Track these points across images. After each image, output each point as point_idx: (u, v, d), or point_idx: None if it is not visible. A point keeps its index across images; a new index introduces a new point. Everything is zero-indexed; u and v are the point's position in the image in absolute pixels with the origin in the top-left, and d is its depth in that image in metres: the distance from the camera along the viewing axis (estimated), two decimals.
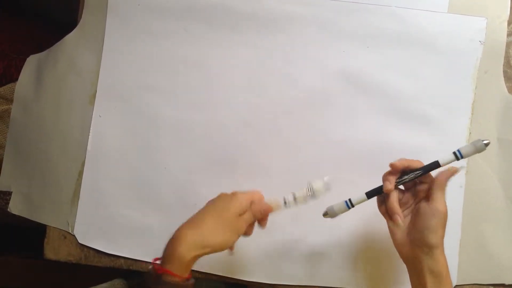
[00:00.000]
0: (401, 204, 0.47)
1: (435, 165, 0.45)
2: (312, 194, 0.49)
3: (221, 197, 0.48)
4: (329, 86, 0.60)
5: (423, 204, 0.45)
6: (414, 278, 0.46)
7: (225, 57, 0.61)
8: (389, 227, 0.48)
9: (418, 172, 0.45)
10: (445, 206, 0.44)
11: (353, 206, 0.49)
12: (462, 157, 0.44)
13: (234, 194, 0.48)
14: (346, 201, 0.49)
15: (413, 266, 0.46)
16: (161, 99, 0.62)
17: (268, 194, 0.60)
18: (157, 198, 0.61)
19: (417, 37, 0.59)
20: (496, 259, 0.58)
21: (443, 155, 0.45)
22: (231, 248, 0.48)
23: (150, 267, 0.45)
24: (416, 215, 0.45)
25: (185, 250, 0.43)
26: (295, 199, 0.49)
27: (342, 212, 0.49)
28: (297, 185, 0.60)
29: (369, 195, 0.48)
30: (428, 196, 0.45)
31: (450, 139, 0.59)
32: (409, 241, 0.45)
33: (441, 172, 0.45)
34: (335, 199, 0.59)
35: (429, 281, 0.44)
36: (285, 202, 0.50)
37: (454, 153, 0.44)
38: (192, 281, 0.45)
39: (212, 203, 0.48)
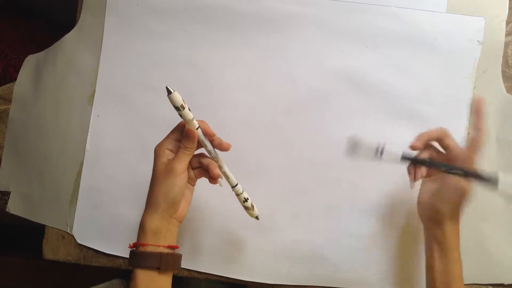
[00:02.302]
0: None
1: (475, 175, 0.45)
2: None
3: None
4: (329, 86, 0.60)
5: (449, 177, 0.46)
6: (426, 245, 0.49)
7: (224, 57, 0.61)
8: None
9: (455, 170, 0.45)
10: (468, 184, 0.45)
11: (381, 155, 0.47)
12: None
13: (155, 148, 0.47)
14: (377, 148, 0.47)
15: (425, 233, 0.49)
16: (160, 99, 0.62)
17: (267, 194, 0.60)
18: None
19: (415, 37, 0.59)
20: (495, 259, 0.58)
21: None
22: (213, 181, 0.48)
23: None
24: (440, 184, 0.47)
25: (144, 220, 0.45)
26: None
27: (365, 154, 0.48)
28: (297, 185, 0.60)
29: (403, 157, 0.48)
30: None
31: None
32: (428, 206, 0.48)
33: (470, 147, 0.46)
34: (335, 199, 0.59)
35: (435, 250, 0.47)
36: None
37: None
38: (167, 251, 0.45)
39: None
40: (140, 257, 0.44)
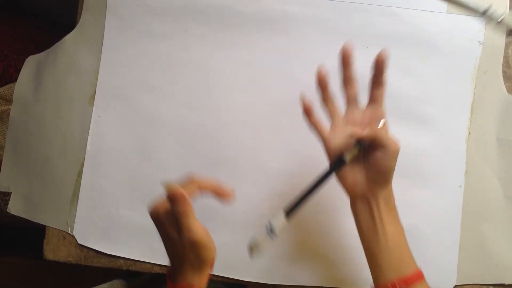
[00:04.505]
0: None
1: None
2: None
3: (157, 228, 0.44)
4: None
5: (378, 152, 0.43)
6: (365, 212, 0.46)
7: (224, 57, 0.61)
8: (337, 174, 0.47)
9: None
10: (396, 143, 0.43)
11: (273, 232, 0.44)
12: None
13: (152, 218, 0.43)
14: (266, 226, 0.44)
15: (366, 201, 0.45)
16: (160, 100, 0.62)
17: (267, 194, 0.60)
18: (156, 198, 0.61)
19: (416, 37, 0.59)
20: (496, 259, 0.58)
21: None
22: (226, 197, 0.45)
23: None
24: (373, 158, 0.44)
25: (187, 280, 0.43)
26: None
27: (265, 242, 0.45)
28: (296, 185, 0.60)
29: (288, 212, 0.44)
30: (377, 145, 0.43)
31: (449, 139, 0.59)
32: (366, 180, 0.45)
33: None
34: (335, 199, 0.59)
35: (383, 209, 0.45)
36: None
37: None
38: None
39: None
40: None
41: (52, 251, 0.62)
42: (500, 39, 0.59)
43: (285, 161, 0.60)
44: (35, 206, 0.63)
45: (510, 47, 0.60)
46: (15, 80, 0.67)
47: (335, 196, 0.59)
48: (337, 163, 0.46)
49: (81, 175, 0.62)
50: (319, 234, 0.59)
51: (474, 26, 0.59)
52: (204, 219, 0.60)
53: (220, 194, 0.45)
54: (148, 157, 0.61)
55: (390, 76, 0.59)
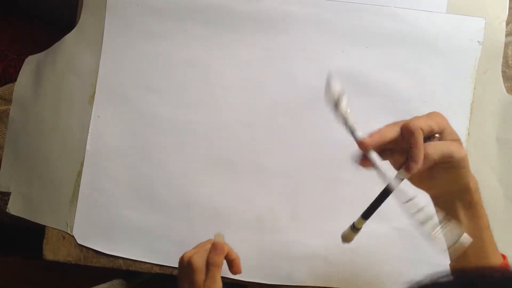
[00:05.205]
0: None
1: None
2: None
3: (181, 272, 0.50)
4: None
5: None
6: (441, 209, 0.46)
7: (224, 57, 0.61)
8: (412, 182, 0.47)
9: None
10: (462, 153, 0.42)
11: (356, 228, 0.48)
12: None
13: (189, 261, 0.48)
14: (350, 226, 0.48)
15: (442, 200, 0.46)
16: (160, 99, 0.62)
17: (267, 194, 0.60)
18: (156, 198, 0.61)
19: (416, 37, 0.59)
20: None
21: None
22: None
23: None
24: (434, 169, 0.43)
25: None
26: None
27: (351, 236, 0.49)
28: (296, 185, 0.60)
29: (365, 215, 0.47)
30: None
31: None
32: (439, 186, 0.45)
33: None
34: (335, 199, 0.59)
35: (459, 207, 0.44)
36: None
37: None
38: None
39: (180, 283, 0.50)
40: None
41: (52, 251, 0.62)
42: (499, 39, 0.59)
43: (285, 161, 0.60)
44: (35, 206, 0.63)
45: (509, 47, 0.60)
46: (15, 80, 0.67)
47: (335, 197, 0.59)
48: (384, 191, 0.46)
49: (81, 175, 0.62)
50: (319, 234, 0.59)
51: (474, 26, 0.59)
52: (205, 219, 0.60)
53: (235, 264, 0.52)
54: (148, 157, 0.61)
55: (390, 76, 0.60)
